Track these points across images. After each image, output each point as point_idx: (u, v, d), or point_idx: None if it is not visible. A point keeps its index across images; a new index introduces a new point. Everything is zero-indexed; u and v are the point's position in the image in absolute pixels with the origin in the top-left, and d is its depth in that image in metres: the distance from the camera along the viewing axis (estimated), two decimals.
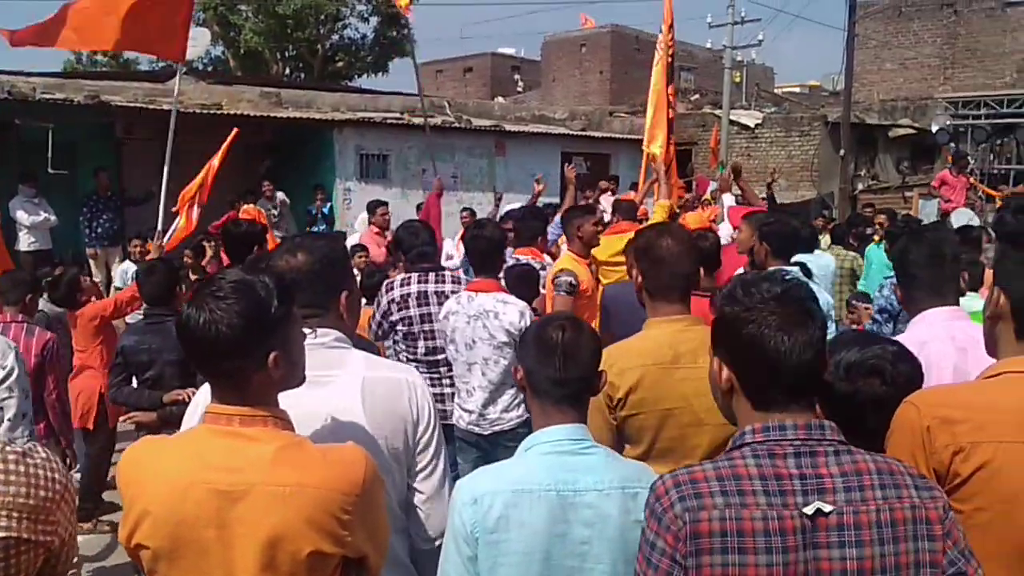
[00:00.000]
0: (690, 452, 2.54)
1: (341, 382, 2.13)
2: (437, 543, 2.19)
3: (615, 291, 5.10)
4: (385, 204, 10.09)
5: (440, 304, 4.62)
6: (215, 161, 7.97)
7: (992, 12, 23.31)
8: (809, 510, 1.55)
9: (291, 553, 1.70)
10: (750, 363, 1.65)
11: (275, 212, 13.26)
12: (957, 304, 2.81)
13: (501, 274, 4.91)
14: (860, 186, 19.85)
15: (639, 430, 2.63)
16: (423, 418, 2.21)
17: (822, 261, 5.74)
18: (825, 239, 9.59)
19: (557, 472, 2.00)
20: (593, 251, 5.68)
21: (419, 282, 4.70)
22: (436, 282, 4.69)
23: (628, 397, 2.60)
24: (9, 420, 3.15)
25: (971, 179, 13.54)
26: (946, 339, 2.64)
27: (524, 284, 5.09)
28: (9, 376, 3.21)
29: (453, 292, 4.63)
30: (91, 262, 11.57)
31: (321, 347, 2.15)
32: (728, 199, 8.27)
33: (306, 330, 1.97)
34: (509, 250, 6.16)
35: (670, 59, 8.79)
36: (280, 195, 13.38)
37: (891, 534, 1.55)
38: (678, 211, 8.50)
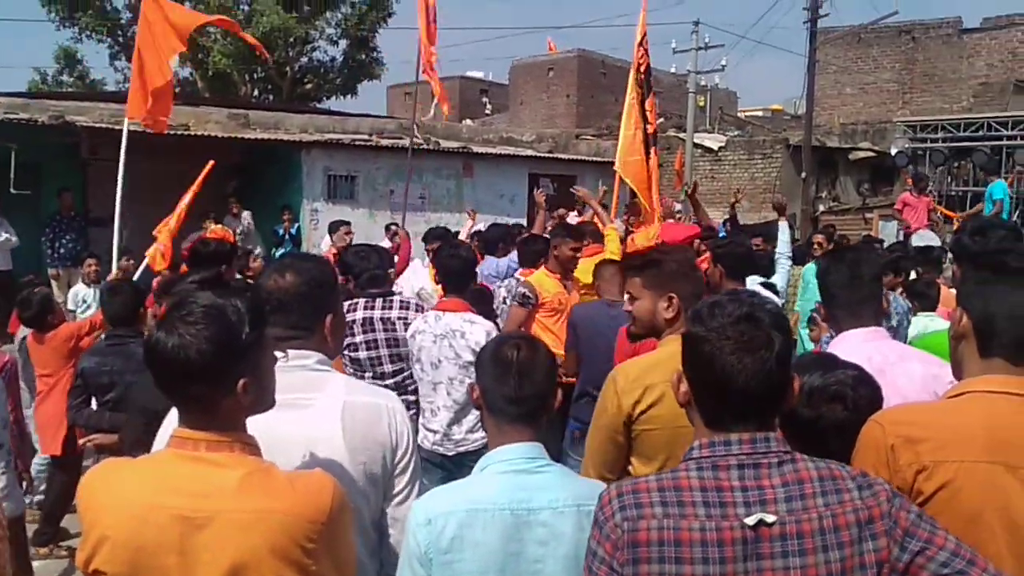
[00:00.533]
0: None
1: (321, 405, 2.13)
2: None
3: (583, 310, 5.19)
4: (347, 224, 10.06)
5: (387, 331, 4.61)
6: (188, 196, 7.97)
7: (948, 39, 23.84)
8: (751, 521, 1.58)
9: (259, 574, 1.68)
10: (704, 382, 1.71)
11: (240, 230, 13.22)
12: (877, 324, 2.81)
13: None
14: (821, 208, 20.14)
15: (653, 446, 2.64)
16: (402, 443, 2.21)
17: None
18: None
19: (512, 491, 2.01)
20: (577, 274, 5.79)
21: (366, 308, 4.67)
22: (383, 308, 4.66)
23: (649, 411, 2.62)
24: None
25: (932, 200, 13.79)
26: (863, 360, 2.61)
27: (477, 306, 5.16)
28: None
29: (400, 318, 4.62)
30: (53, 283, 11.47)
31: (302, 369, 2.16)
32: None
33: (278, 353, 1.96)
34: (516, 269, 6.25)
35: (643, 75, 8.88)
36: (246, 214, 13.36)
37: (835, 540, 1.58)
38: (630, 229, 8.66)
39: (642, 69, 8.96)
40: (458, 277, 4.65)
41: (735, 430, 1.66)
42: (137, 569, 1.68)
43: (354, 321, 4.64)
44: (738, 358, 1.64)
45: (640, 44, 9.03)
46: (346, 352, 4.67)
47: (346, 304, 4.81)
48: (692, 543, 1.58)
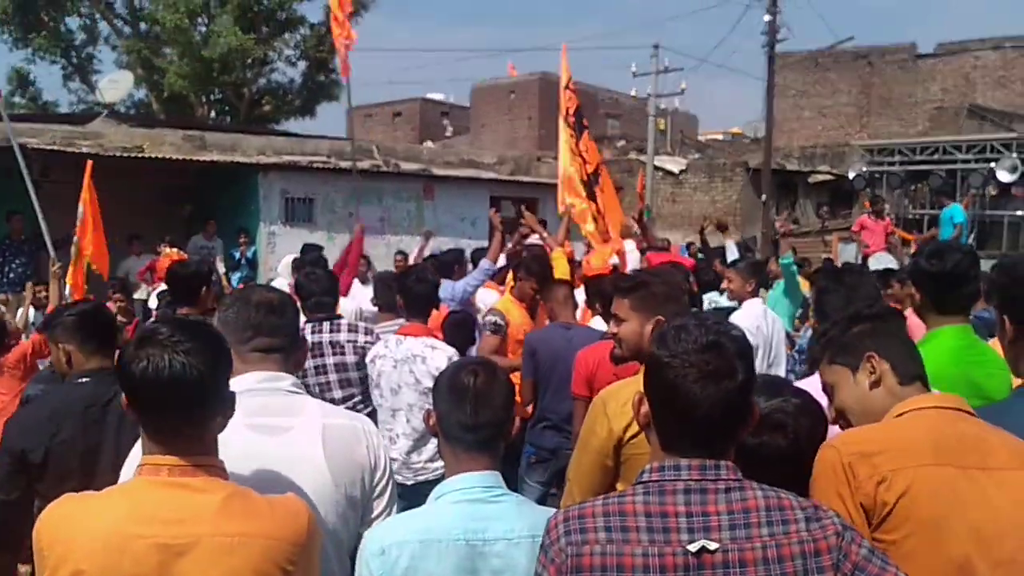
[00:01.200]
0: None
1: (301, 428, 2.12)
2: None
3: (540, 336, 5.11)
4: (320, 249, 9.97)
5: (336, 354, 4.51)
6: (84, 207, 7.75)
7: (904, 64, 24.34)
8: (693, 548, 1.56)
9: None
10: (664, 406, 1.68)
11: (212, 248, 13.08)
12: None
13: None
14: (781, 230, 20.34)
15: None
16: (379, 465, 2.22)
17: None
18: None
19: (467, 521, 1.96)
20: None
21: (313, 332, 4.54)
22: (331, 331, 4.56)
23: (639, 435, 2.50)
24: None
25: (891, 223, 13.97)
26: None
27: (459, 331, 5.06)
28: None
29: (349, 341, 4.52)
30: (1, 307, 11.16)
31: (280, 392, 2.16)
32: (630, 244, 8.46)
33: (261, 374, 2.02)
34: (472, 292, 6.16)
35: (571, 117, 8.83)
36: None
37: (779, 570, 1.57)
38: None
39: (570, 112, 8.92)
40: (419, 301, 4.55)
41: (687, 455, 1.65)
42: None
43: (314, 343, 4.52)
44: (701, 387, 1.62)
45: (567, 87, 9.01)
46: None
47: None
48: (635, 568, 1.57)
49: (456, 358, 4.34)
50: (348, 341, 4.53)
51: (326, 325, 4.57)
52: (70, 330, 2.94)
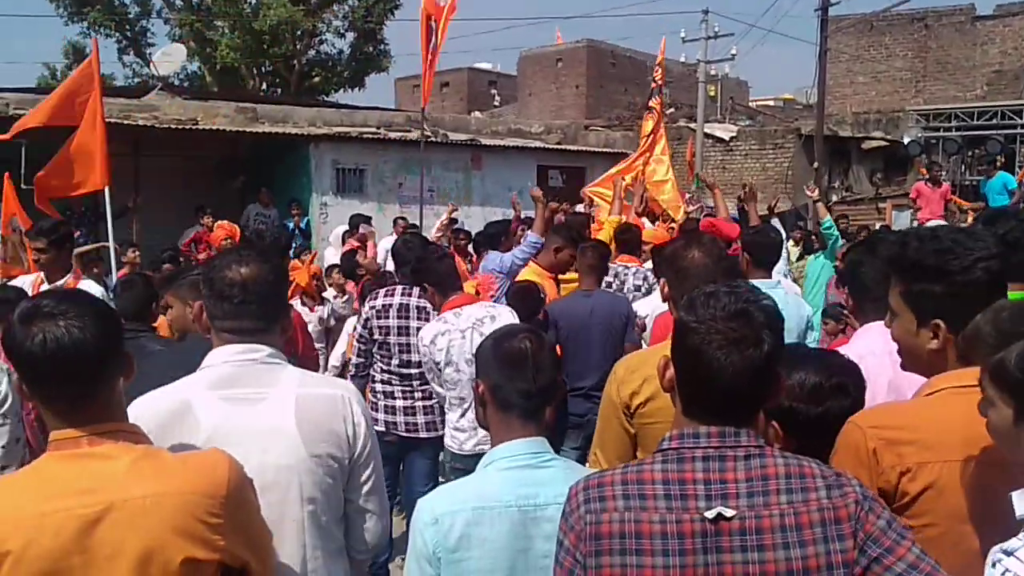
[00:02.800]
0: None
1: (273, 399, 2.11)
2: (371, 554, 2.22)
3: (561, 306, 5.16)
4: (368, 219, 10.14)
5: (420, 319, 4.57)
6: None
7: (962, 26, 23.65)
8: (710, 514, 1.57)
9: (163, 565, 1.67)
10: (688, 372, 1.67)
11: (269, 216, 13.29)
12: None
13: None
14: (834, 198, 20.01)
15: (656, 440, 2.63)
16: (359, 433, 2.19)
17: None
18: (795, 251, 9.70)
19: (518, 487, 1.99)
20: None
21: (403, 294, 4.68)
22: (420, 296, 4.63)
23: (648, 404, 2.60)
24: (2, 447, 3.07)
25: (949, 190, 13.64)
26: (883, 354, 2.60)
27: (525, 300, 5.09)
28: (4, 403, 3.13)
29: (422, 307, 4.61)
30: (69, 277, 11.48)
31: (254, 363, 2.13)
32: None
33: (237, 346, 1.96)
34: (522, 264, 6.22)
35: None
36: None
37: (797, 538, 1.56)
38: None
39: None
40: (452, 277, 4.49)
41: (708, 422, 1.64)
42: None
43: (390, 305, 4.66)
44: (725, 353, 1.60)
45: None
46: (376, 336, 4.65)
47: (383, 289, 4.79)
48: (652, 535, 1.58)
49: (515, 316, 4.36)
50: (419, 307, 4.63)
51: (415, 290, 4.66)
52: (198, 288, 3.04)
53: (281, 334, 2.23)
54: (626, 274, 6.14)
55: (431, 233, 10.62)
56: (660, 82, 9.95)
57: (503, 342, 2.14)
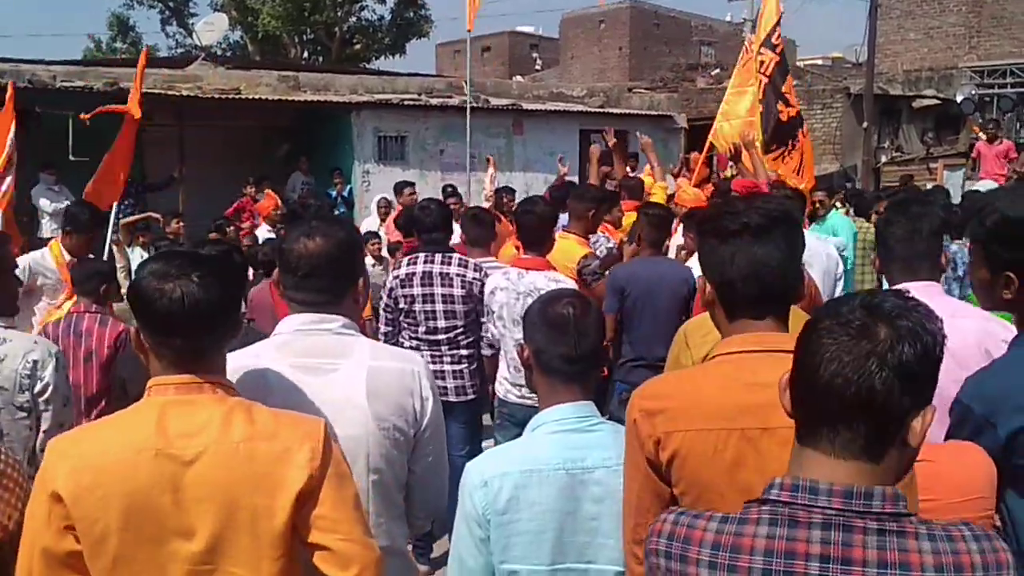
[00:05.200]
0: None
1: (346, 370, 2.14)
2: (429, 520, 2.29)
3: (629, 270, 5.05)
4: (412, 184, 10.14)
5: (444, 286, 4.63)
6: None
7: None
8: None
9: (251, 509, 1.71)
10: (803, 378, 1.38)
11: (311, 184, 13.40)
12: (934, 280, 2.75)
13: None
14: (884, 158, 19.61)
15: None
16: (427, 408, 2.22)
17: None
18: (840, 211, 9.50)
19: (565, 450, 2.00)
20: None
21: (426, 262, 4.70)
22: (443, 263, 4.67)
23: None
24: (44, 432, 3.13)
25: (1011, 148, 13.22)
26: None
27: (479, 225, 5.12)
28: (46, 390, 3.18)
29: (459, 275, 4.63)
30: (113, 248, 11.67)
31: (328, 333, 2.17)
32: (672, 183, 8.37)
33: (309, 315, 2.01)
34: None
35: (767, 74, 8.40)
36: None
37: None
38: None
39: (766, 70, 8.40)
40: (533, 233, 4.57)
41: (833, 456, 1.32)
42: (130, 514, 1.68)
43: (413, 273, 4.70)
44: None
45: (765, 41, 8.48)
46: (401, 304, 4.69)
47: (406, 258, 4.82)
48: None
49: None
50: (457, 275, 4.65)
51: (438, 256, 4.71)
52: None
53: (354, 305, 2.26)
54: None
55: (485, 194, 10.61)
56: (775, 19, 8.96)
57: (547, 307, 2.15)
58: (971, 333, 2.53)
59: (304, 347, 2.14)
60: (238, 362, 2.10)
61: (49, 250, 5.41)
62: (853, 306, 1.34)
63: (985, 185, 11.38)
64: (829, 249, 5.71)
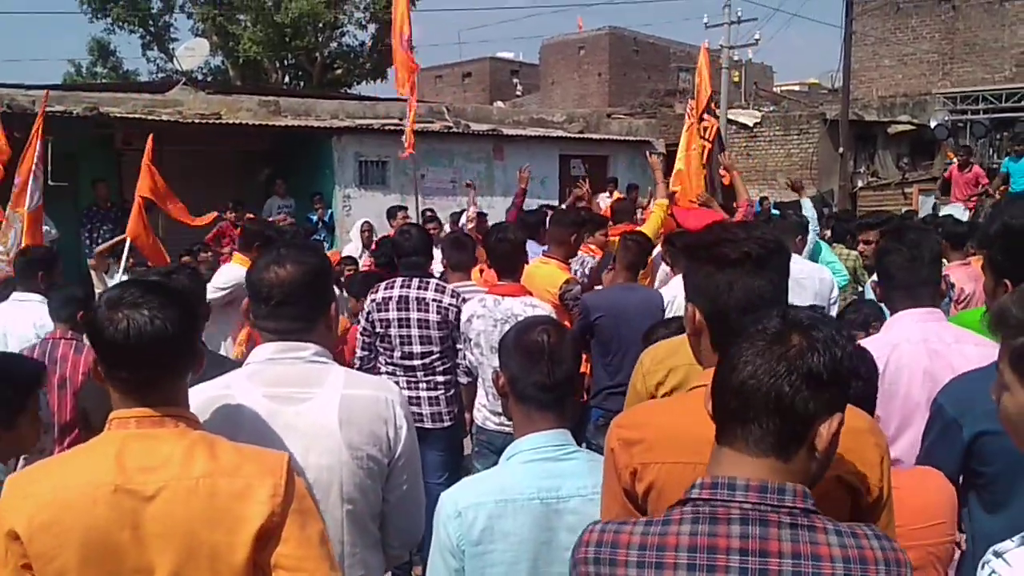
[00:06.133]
0: None
1: (318, 399, 2.12)
2: (406, 549, 2.27)
3: (602, 297, 5.07)
4: (404, 208, 10.18)
5: (420, 310, 4.63)
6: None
7: (990, 7, 23.25)
8: None
9: (211, 546, 1.69)
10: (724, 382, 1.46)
11: (288, 207, 13.38)
12: (934, 306, 2.79)
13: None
14: (860, 183, 19.81)
15: None
16: (401, 436, 2.21)
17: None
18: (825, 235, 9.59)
19: (540, 479, 2.00)
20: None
21: (402, 286, 4.70)
22: (419, 288, 4.67)
23: (673, 394, 2.58)
24: (24, 459, 3.11)
25: (981, 174, 13.48)
26: (918, 341, 2.64)
27: (460, 250, 5.15)
28: None
29: (435, 300, 4.62)
30: (92, 273, 11.60)
31: (301, 361, 2.14)
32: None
33: (281, 344, 1.98)
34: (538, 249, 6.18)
35: (710, 142, 8.70)
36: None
37: None
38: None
39: (708, 135, 8.73)
40: (506, 260, 4.64)
41: (749, 452, 1.40)
42: (88, 551, 1.66)
43: (389, 298, 4.68)
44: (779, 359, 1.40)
45: (706, 108, 8.82)
46: (378, 329, 4.69)
47: (383, 283, 4.83)
48: None
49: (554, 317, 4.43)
50: (433, 300, 4.63)
51: (415, 281, 4.70)
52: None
53: (326, 332, 2.24)
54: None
55: (463, 222, 10.64)
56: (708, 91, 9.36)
57: (522, 335, 2.15)
58: (975, 359, 2.55)
59: (276, 376, 2.12)
60: (209, 393, 2.09)
61: (239, 265, 5.36)
62: (773, 317, 1.44)
63: (953, 209, 11.58)
64: (824, 273, 5.67)
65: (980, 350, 2.62)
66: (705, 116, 8.87)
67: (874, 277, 3.11)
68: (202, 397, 2.07)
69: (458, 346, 4.64)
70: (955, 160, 13.70)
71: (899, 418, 2.52)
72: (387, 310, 4.67)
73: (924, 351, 2.61)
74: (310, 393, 2.12)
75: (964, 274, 5.54)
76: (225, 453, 1.76)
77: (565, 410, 2.11)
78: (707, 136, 8.76)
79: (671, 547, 1.39)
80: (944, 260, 6.02)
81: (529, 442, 2.05)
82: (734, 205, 7.32)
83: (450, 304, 4.64)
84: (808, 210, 8.25)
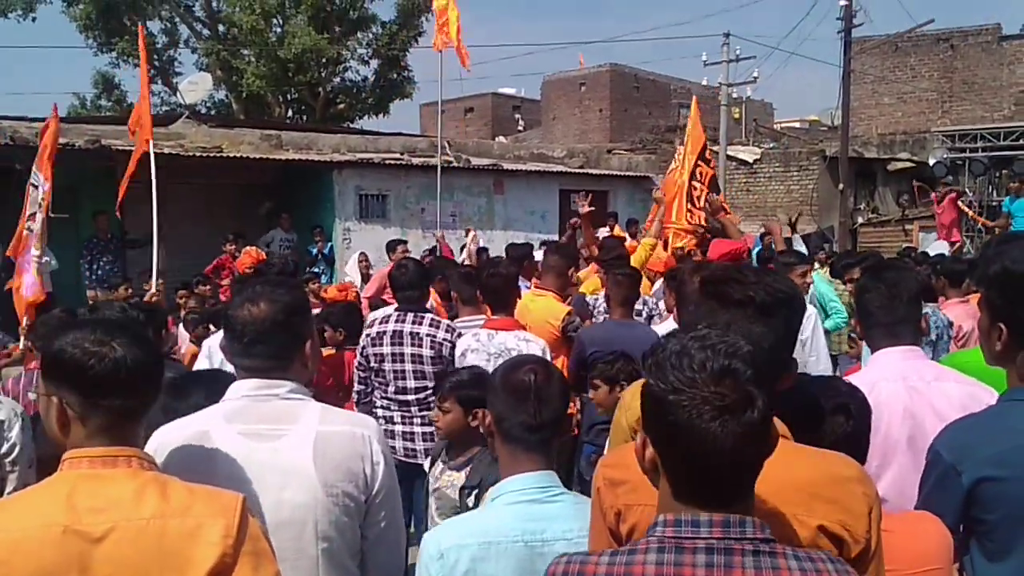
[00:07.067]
0: None
1: (293, 436, 2.10)
2: None
3: (596, 333, 5.04)
4: (404, 242, 10.21)
5: (414, 344, 4.61)
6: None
7: (988, 46, 23.45)
8: None
9: None
10: (676, 451, 1.43)
11: (291, 241, 13.40)
12: (914, 344, 2.77)
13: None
14: (860, 220, 19.85)
15: None
16: (378, 472, 2.17)
17: None
18: (823, 272, 9.59)
19: (525, 522, 1.97)
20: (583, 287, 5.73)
21: (397, 320, 4.69)
22: (413, 323, 4.66)
23: None
24: (8, 494, 3.07)
25: (964, 209, 13.67)
26: (897, 379, 2.62)
27: (471, 284, 5.12)
28: (12, 451, 3.13)
29: (429, 335, 4.61)
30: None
31: (276, 398, 2.13)
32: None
33: (256, 381, 1.97)
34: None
35: (705, 185, 8.87)
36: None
37: None
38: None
39: (703, 179, 8.90)
40: (498, 295, 4.66)
41: (707, 507, 1.41)
42: None
43: (384, 332, 4.67)
44: (720, 425, 1.35)
45: (700, 155, 9.03)
46: (372, 363, 4.68)
47: (380, 317, 4.81)
48: None
49: (548, 350, 4.44)
50: (427, 335, 4.62)
51: (410, 316, 4.69)
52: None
53: (303, 368, 2.22)
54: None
55: (464, 258, 10.67)
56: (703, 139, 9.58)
57: (509, 373, 2.13)
58: (955, 397, 2.56)
59: (251, 413, 2.11)
60: (185, 431, 2.07)
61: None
62: (709, 380, 1.39)
63: (940, 247, 11.67)
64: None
65: (961, 387, 2.61)
66: (699, 163, 9.06)
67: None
68: (177, 435, 2.05)
69: None
70: (935, 202, 13.92)
71: (879, 457, 2.49)
72: (381, 345, 4.65)
73: (903, 389, 2.60)
74: (284, 430, 2.10)
75: (963, 311, 5.52)
76: (176, 493, 1.74)
77: (551, 451, 2.09)
78: (704, 181, 8.94)
79: None
80: (943, 296, 6.06)
81: (514, 483, 2.03)
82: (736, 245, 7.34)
83: (444, 339, 4.63)
84: (798, 246, 8.30)
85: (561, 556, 1.52)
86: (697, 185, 8.84)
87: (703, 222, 8.43)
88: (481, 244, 12.58)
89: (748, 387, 1.38)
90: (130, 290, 8.98)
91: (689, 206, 8.72)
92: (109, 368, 1.74)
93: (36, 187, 7.21)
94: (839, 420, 2.05)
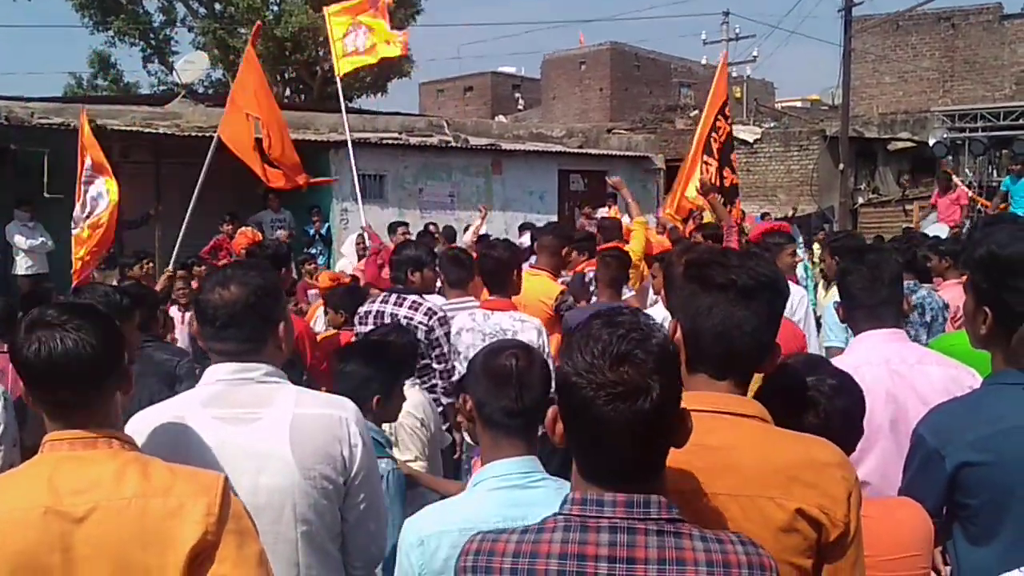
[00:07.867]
0: None
1: (269, 420, 2.09)
2: (369, 570, 2.23)
3: (582, 316, 5.03)
4: (405, 224, 10.19)
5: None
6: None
7: (990, 25, 23.35)
8: None
9: (143, 566, 1.67)
10: (578, 432, 1.46)
11: (282, 221, 13.35)
12: (897, 326, 2.77)
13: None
14: (860, 200, 19.81)
15: None
16: (356, 455, 2.16)
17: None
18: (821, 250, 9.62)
19: (506, 508, 1.94)
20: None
21: (383, 301, 4.68)
22: (395, 304, 4.61)
23: None
24: None
25: (963, 195, 13.67)
26: (880, 363, 2.62)
27: (459, 266, 5.10)
28: None
29: (407, 318, 4.53)
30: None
31: (251, 382, 2.12)
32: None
33: (230, 364, 1.96)
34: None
35: (719, 143, 8.89)
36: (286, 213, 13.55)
37: None
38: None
39: (722, 136, 8.96)
40: (494, 276, 4.63)
41: (611, 487, 1.44)
42: (18, 573, 1.64)
43: (369, 312, 4.66)
44: (614, 409, 1.39)
45: (720, 112, 9.03)
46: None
47: (379, 296, 4.82)
48: None
49: (544, 331, 4.45)
50: (405, 317, 4.56)
51: (393, 297, 4.66)
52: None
53: (277, 351, 2.20)
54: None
55: (465, 239, 10.64)
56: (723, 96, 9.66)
57: (490, 358, 2.11)
58: (937, 380, 2.57)
59: (226, 398, 2.10)
60: (161, 416, 2.07)
61: None
62: (610, 364, 1.41)
63: (938, 229, 11.66)
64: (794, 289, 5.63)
65: (943, 370, 2.62)
66: (719, 118, 9.14)
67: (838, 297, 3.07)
68: (154, 420, 2.04)
69: (435, 365, 4.55)
70: (937, 187, 13.86)
71: (862, 440, 2.49)
72: (365, 324, 4.63)
73: (886, 372, 2.59)
74: (259, 414, 2.08)
75: (960, 292, 5.49)
76: (157, 473, 1.74)
77: (534, 436, 2.06)
78: (720, 137, 9.03)
79: (543, 555, 1.42)
80: (941, 278, 6.04)
81: (495, 468, 2.01)
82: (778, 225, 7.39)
83: (420, 322, 4.51)
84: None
85: (476, 534, 1.55)
86: (715, 137, 8.93)
87: (714, 180, 8.46)
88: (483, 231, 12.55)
89: (646, 376, 1.40)
90: (146, 268, 8.83)
91: (706, 157, 8.80)
92: (34, 359, 1.72)
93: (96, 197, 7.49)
94: (821, 404, 2.04)
